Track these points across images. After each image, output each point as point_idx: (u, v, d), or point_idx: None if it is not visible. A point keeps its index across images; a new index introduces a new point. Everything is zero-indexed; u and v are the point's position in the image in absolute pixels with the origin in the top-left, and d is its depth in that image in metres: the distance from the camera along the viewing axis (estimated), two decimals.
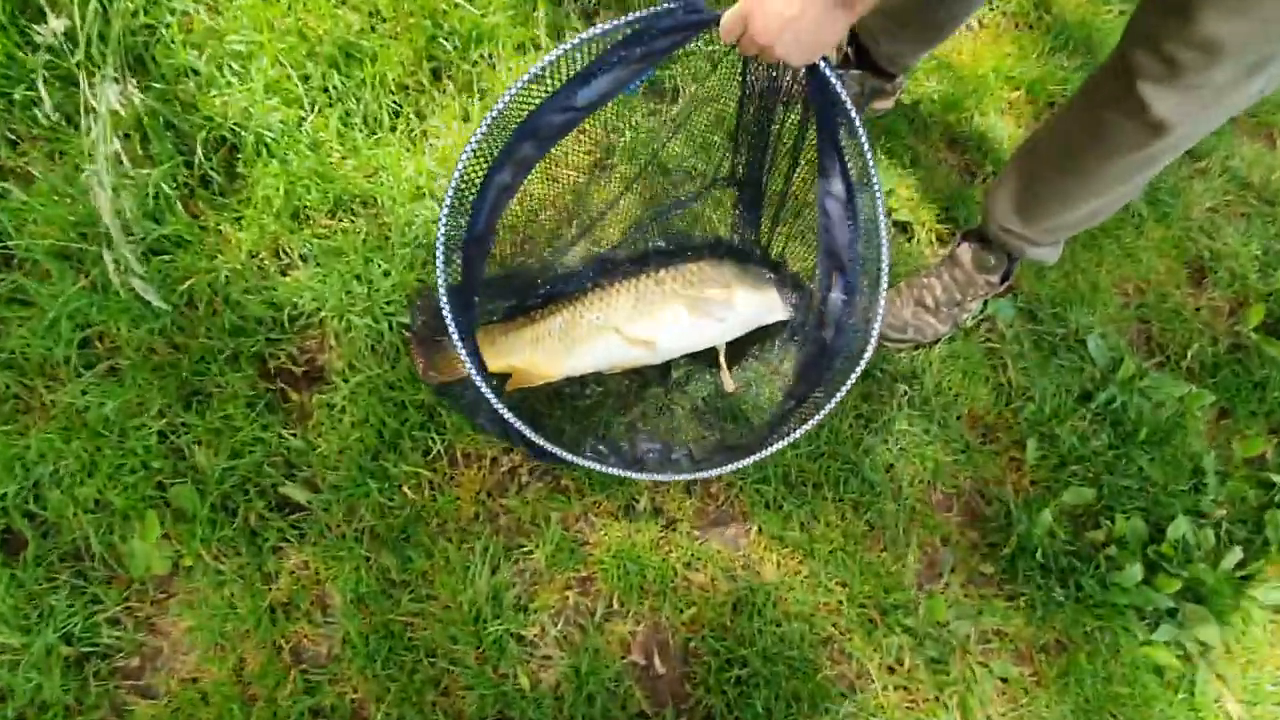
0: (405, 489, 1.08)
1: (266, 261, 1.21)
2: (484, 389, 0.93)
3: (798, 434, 0.97)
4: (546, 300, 1.19)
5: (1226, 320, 1.41)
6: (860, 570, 1.11)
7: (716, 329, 1.13)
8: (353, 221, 1.24)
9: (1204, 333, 1.38)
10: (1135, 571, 1.10)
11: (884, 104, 1.42)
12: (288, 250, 1.22)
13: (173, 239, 1.18)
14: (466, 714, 0.99)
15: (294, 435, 1.10)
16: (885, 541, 1.14)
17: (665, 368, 1.19)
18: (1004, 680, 1.08)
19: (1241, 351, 1.37)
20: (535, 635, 1.03)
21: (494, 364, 1.10)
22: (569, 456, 0.95)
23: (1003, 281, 1.21)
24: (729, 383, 1.18)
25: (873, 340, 0.90)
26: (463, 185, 0.92)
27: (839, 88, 0.83)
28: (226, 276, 1.17)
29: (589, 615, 1.05)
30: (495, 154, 0.90)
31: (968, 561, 1.14)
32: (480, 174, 0.91)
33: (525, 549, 1.08)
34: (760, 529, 1.13)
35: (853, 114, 0.84)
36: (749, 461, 0.97)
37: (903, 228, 1.37)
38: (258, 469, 1.06)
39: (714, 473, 0.98)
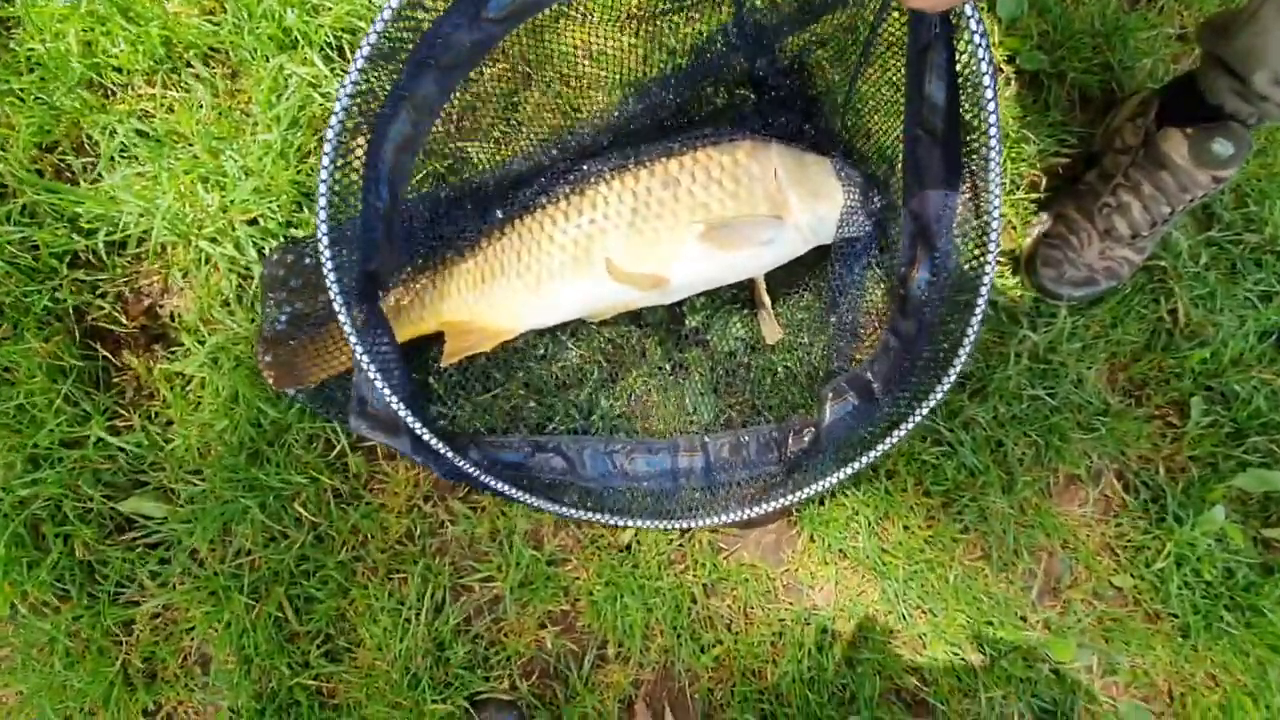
0: (298, 504, 0.74)
1: (67, 157, 0.80)
2: (383, 390, 0.57)
3: (859, 465, 0.66)
4: (495, 218, 0.78)
5: None
6: (952, 591, 0.80)
7: (759, 255, 0.73)
8: (187, 90, 0.80)
9: None
10: None
11: None
12: (93, 138, 0.79)
13: None
14: None
15: (128, 428, 0.74)
16: (988, 550, 0.81)
17: (676, 310, 0.81)
18: None
19: None
20: (501, 698, 0.74)
21: (412, 328, 0.73)
22: (524, 498, 0.63)
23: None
24: (772, 331, 0.80)
25: (967, 345, 0.63)
26: (341, 151, 0.59)
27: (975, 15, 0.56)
28: (8, 187, 0.77)
29: (574, 664, 0.76)
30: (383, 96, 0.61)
31: (1097, 570, 0.83)
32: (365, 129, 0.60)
33: (482, 575, 0.77)
34: (813, 536, 0.80)
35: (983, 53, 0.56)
36: (785, 504, 0.64)
37: (1032, 80, 0.91)
38: (73, 481, 0.72)
39: (739, 517, 0.65)
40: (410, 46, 0.60)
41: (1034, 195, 0.89)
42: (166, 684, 0.73)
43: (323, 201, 0.57)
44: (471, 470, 0.64)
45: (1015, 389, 0.83)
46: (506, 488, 0.65)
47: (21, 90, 0.79)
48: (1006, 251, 0.89)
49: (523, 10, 0.64)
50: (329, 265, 0.58)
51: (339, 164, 0.59)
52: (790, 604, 0.79)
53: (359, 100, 0.59)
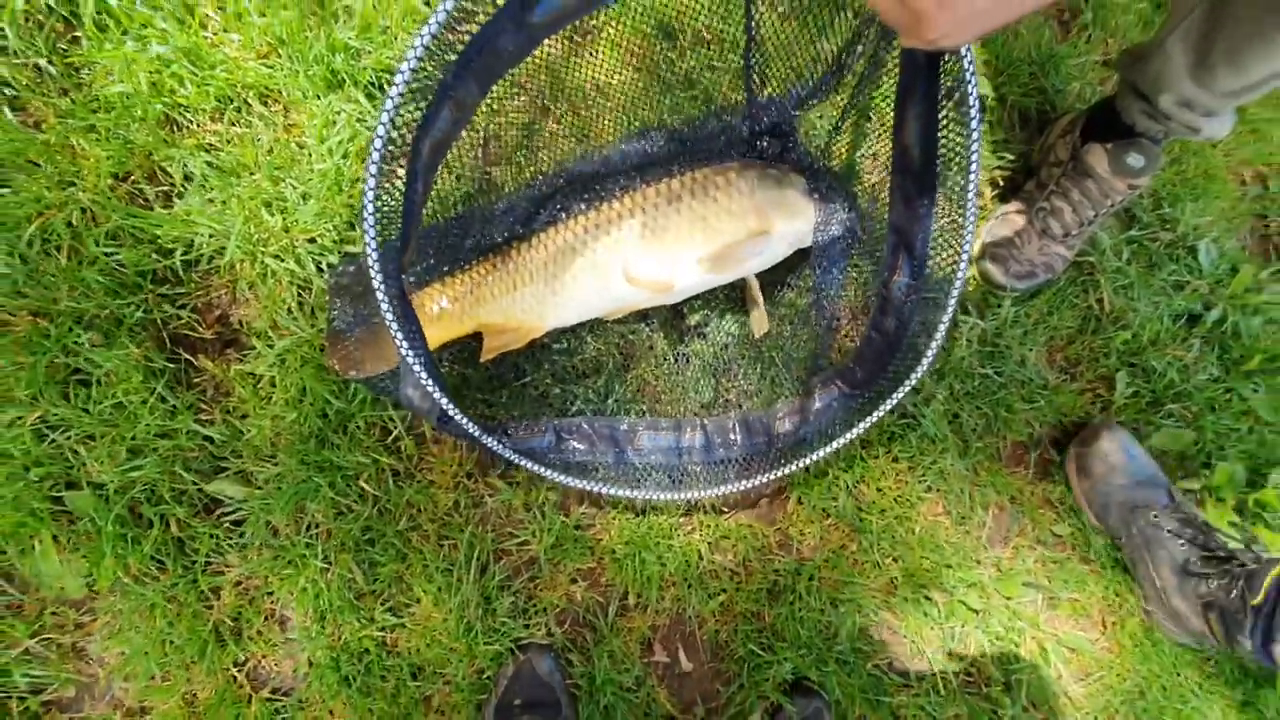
0: (363, 481, 0.87)
1: (141, 185, 0.90)
2: (430, 387, 0.68)
3: (836, 445, 0.79)
4: (521, 231, 0.91)
5: None
6: (918, 541, 0.94)
7: (747, 263, 0.86)
8: (249, 124, 0.92)
9: None
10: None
11: None
12: (166, 170, 0.90)
13: (7, 161, 0.86)
14: None
15: (210, 422, 0.86)
16: (946, 506, 0.96)
17: (679, 309, 0.94)
18: (1073, 650, 0.95)
19: None
20: (539, 642, 0.87)
21: (454, 329, 0.85)
22: (552, 474, 0.75)
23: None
24: (761, 325, 0.93)
25: (938, 337, 0.76)
26: (392, 142, 0.63)
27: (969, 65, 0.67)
28: (88, 210, 0.87)
29: (600, 613, 0.89)
30: (430, 95, 0.65)
31: (1039, 522, 0.98)
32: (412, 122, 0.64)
33: (518, 540, 0.89)
34: (800, 499, 0.94)
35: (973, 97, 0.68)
36: (775, 476, 0.77)
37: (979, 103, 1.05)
38: (168, 468, 0.84)
39: (734, 489, 0.78)
40: (459, 47, 0.63)
41: (980, 203, 1.04)
42: (251, 640, 0.85)
43: (369, 197, 0.63)
44: (504, 450, 0.76)
45: (968, 369, 0.98)
46: (533, 466, 0.76)
47: (99, 126, 0.90)
48: None
49: (564, 15, 0.67)
50: (371, 247, 0.64)
51: (386, 157, 0.63)
52: (783, 556, 0.93)
53: (407, 100, 0.62)
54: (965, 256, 0.75)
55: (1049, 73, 1.06)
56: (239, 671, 0.84)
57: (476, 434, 0.74)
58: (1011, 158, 1.04)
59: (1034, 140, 1.06)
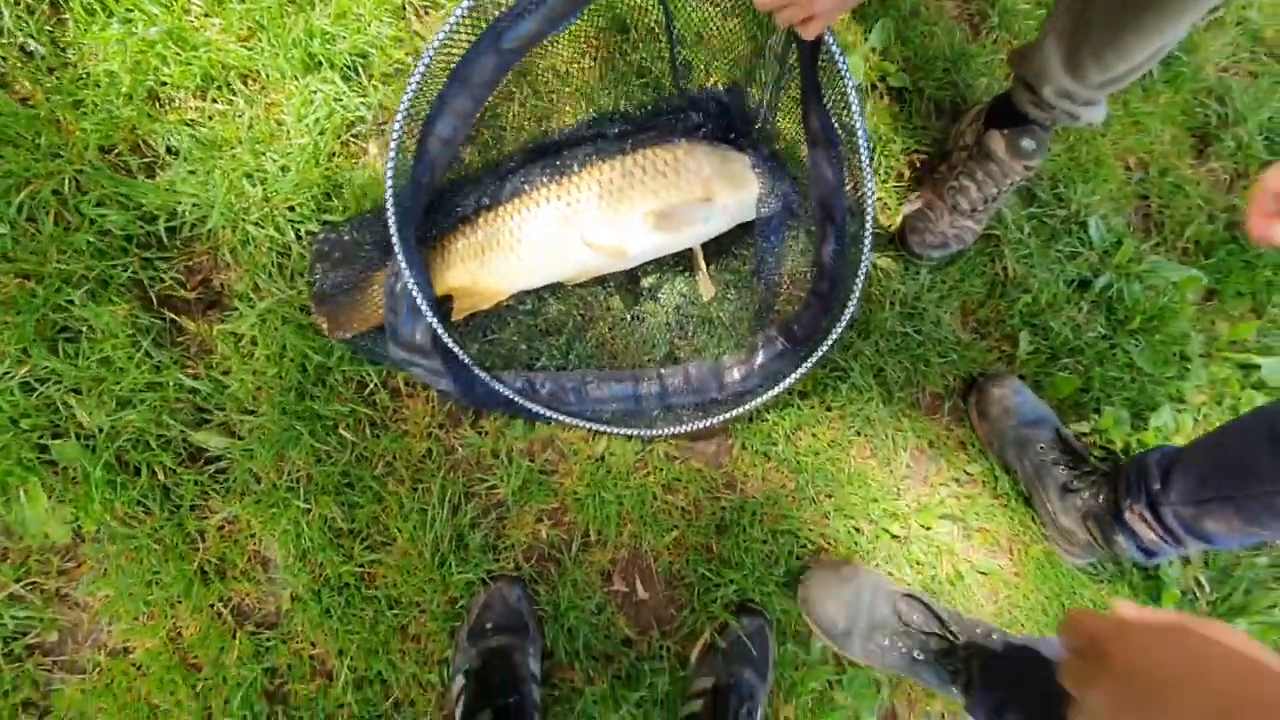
0: (341, 430, 0.94)
1: (126, 158, 0.96)
2: (442, 333, 0.79)
3: (770, 394, 0.90)
4: (488, 202, 1.00)
5: (1225, 195, 1.33)
6: (848, 480, 1.05)
7: (694, 231, 0.97)
8: (231, 102, 0.98)
9: (1203, 209, 1.29)
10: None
11: None
12: (150, 143, 0.96)
13: None
14: (442, 653, 0.93)
15: (196, 377, 0.92)
16: (873, 449, 1.08)
17: (633, 273, 1.04)
18: (985, 574, 1.08)
19: (1236, 228, 1.30)
20: (509, 575, 0.95)
21: None
22: (535, 408, 0.85)
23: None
24: (707, 288, 1.04)
25: (853, 301, 0.88)
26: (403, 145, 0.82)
27: (840, 56, 0.81)
28: (76, 181, 0.93)
29: (565, 548, 0.98)
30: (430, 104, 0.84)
31: (955, 463, 1.10)
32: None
33: (488, 484, 0.97)
34: (744, 445, 1.04)
35: (849, 82, 0.82)
36: (723, 419, 0.88)
37: (899, 95, 1.19)
38: (155, 418, 0.89)
39: (685, 429, 0.88)
40: (451, 67, 0.81)
41: (901, 184, 1.17)
42: (235, 580, 0.91)
43: (389, 171, 0.78)
44: (490, 381, 0.86)
45: (891, 328, 1.10)
46: (513, 395, 0.86)
47: (86, 101, 0.95)
48: (884, 226, 1.16)
49: (530, 41, 0.84)
50: (392, 216, 0.79)
51: (400, 146, 0.79)
52: (729, 495, 1.03)
53: (413, 103, 0.80)
54: (869, 228, 0.87)
55: (960, 69, 1.21)
56: (224, 607, 0.90)
57: (473, 366, 0.83)
58: (928, 144, 1.18)
59: (948, 128, 1.19)
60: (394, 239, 0.78)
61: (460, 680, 0.83)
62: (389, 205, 0.79)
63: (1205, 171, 1.34)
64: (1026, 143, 1.04)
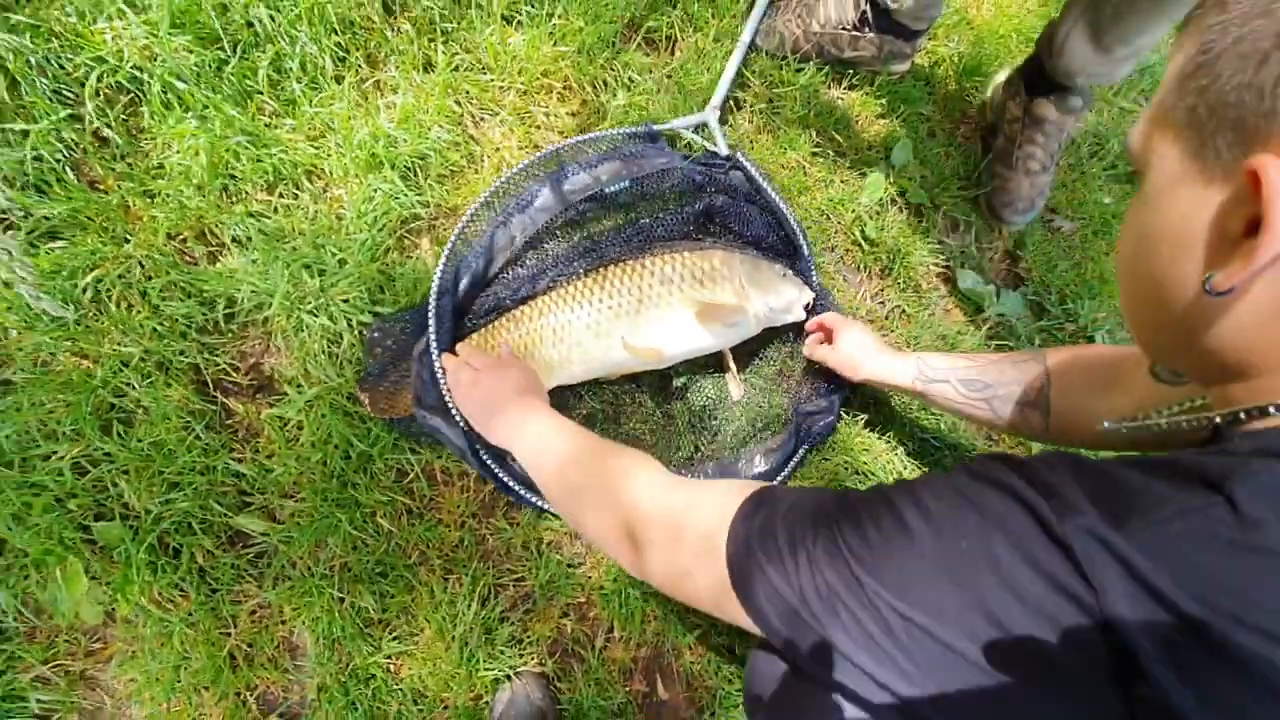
0: (379, 518, 0.96)
1: (191, 245, 1.01)
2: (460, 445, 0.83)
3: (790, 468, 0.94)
4: (526, 293, 1.05)
5: None
6: None
7: (727, 334, 1.02)
8: (296, 197, 1.04)
9: None
10: None
11: (901, 66, 1.27)
12: (216, 232, 1.01)
13: (67, 218, 0.96)
14: None
15: (241, 460, 0.94)
16: None
17: (665, 372, 1.08)
18: None
19: None
20: (532, 671, 0.96)
21: None
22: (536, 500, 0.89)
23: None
24: (736, 389, 1.08)
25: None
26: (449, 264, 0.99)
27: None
28: (142, 266, 0.97)
29: (588, 644, 0.99)
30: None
31: None
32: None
33: (516, 575, 0.99)
34: None
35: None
36: None
37: (917, 211, 1.27)
38: (201, 502, 0.91)
39: None
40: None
41: (918, 293, 1.23)
42: (262, 667, 0.91)
43: (435, 288, 0.84)
44: (506, 479, 0.89)
45: (916, 444, 1.14)
46: (517, 486, 0.90)
47: (156, 190, 1.00)
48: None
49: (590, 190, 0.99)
50: (432, 315, 0.90)
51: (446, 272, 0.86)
52: None
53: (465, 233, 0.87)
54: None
55: (973, 187, 1.29)
56: (250, 695, 0.90)
57: (496, 472, 0.87)
58: (944, 257, 1.25)
59: (968, 242, 1.27)
60: (430, 310, 0.84)
61: None
62: (435, 279, 0.85)
63: None
64: (1074, 101, 1.17)
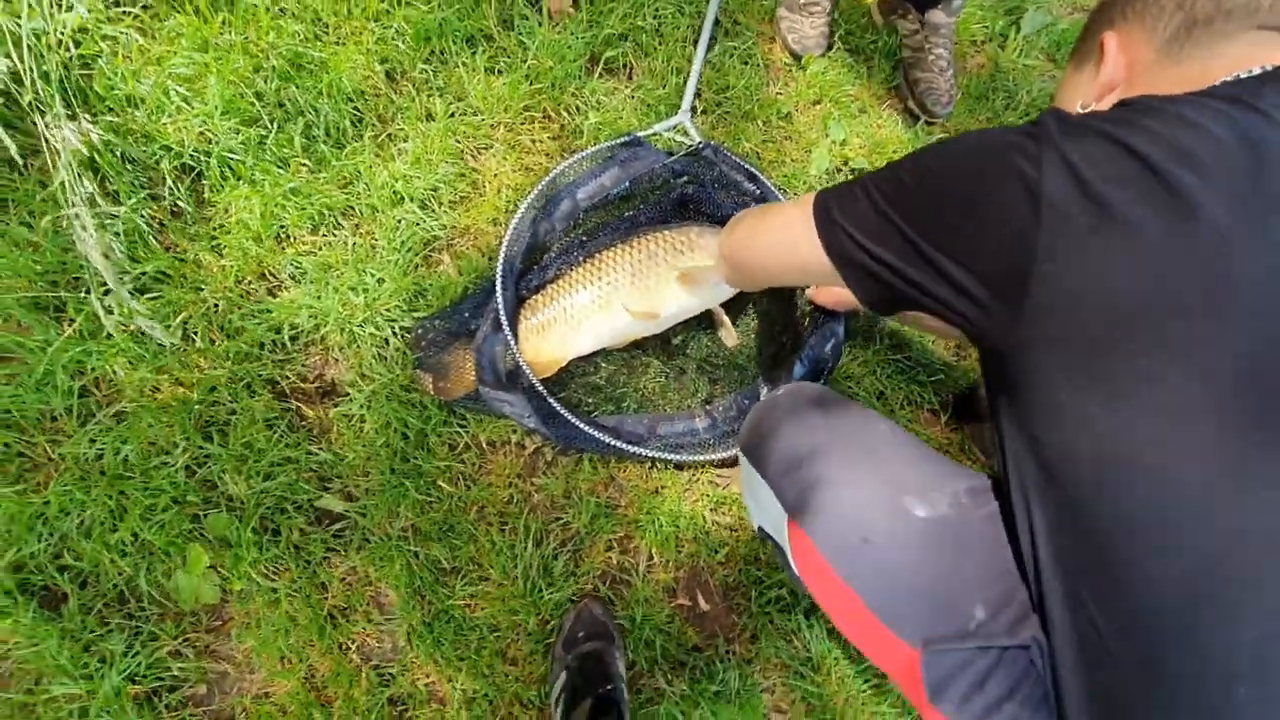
0: (441, 482, 1.12)
1: (254, 285, 1.21)
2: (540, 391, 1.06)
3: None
4: (536, 284, 1.24)
5: None
6: None
7: (710, 294, 1.20)
8: (336, 234, 1.25)
9: None
10: None
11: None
12: (273, 272, 1.22)
13: (154, 275, 1.16)
14: (538, 674, 1.06)
15: (319, 450, 1.12)
16: None
17: (665, 335, 1.26)
18: None
19: None
20: (590, 594, 1.10)
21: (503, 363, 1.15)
22: (622, 446, 1.08)
23: None
24: (730, 338, 1.26)
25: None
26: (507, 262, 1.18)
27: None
28: (218, 305, 1.17)
29: (634, 570, 1.13)
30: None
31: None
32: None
33: (563, 521, 1.14)
34: None
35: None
36: None
37: (861, 174, 1.47)
38: (291, 487, 1.08)
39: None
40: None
41: None
42: (357, 622, 1.06)
43: (500, 277, 1.04)
44: (569, 416, 1.07)
45: (885, 358, 1.31)
46: (592, 430, 1.06)
47: (222, 244, 1.21)
48: None
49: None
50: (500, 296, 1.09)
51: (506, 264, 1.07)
52: None
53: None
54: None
55: (908, 148, 1.49)
56: (351, 645, 1.04)
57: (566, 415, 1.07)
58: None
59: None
60: (498, 297, 1.06)
61: (561, 678, 0.97)
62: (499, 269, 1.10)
63: None
64: (956, 2, 1.44)
